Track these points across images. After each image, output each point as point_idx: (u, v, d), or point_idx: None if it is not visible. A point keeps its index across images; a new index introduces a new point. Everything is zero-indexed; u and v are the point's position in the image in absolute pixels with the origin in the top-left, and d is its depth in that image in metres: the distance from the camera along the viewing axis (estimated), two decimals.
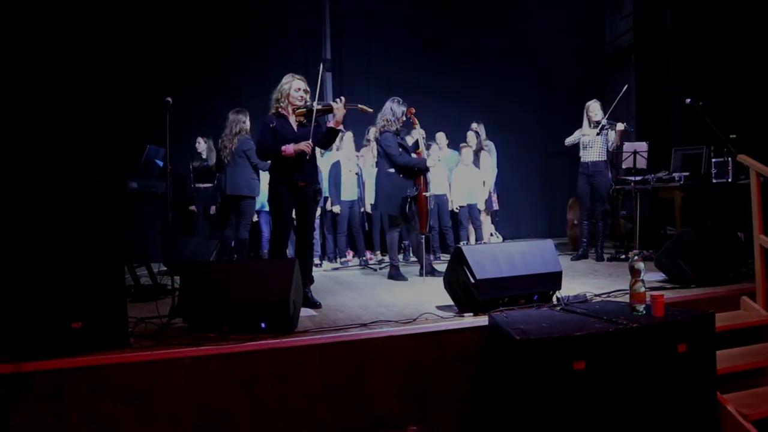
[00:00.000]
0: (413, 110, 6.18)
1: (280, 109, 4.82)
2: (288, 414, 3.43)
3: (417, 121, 6.25)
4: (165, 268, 6.21)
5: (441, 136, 8.42)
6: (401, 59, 9.33)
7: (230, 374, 3.37)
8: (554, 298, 4.34)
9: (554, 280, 4.37)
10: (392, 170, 6.04)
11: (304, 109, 4.79)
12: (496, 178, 8.42)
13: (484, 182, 8.05)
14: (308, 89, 4.85)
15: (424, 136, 6.47)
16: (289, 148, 4.68)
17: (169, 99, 4.20)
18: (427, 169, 6.10)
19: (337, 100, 4.81)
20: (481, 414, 3.65)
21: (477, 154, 8.06)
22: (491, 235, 8.48)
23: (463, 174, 7.93)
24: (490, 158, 8.23)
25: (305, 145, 4.68)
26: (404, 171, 6.03)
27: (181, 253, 6.39)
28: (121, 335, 3.44)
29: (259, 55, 8.79)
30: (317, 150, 5.40)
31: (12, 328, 3.19)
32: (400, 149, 6.03)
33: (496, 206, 8.45)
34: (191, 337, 3.59)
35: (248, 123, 6.51)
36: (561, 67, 10.12)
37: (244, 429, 3.37)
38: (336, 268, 7.35)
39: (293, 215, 4.93)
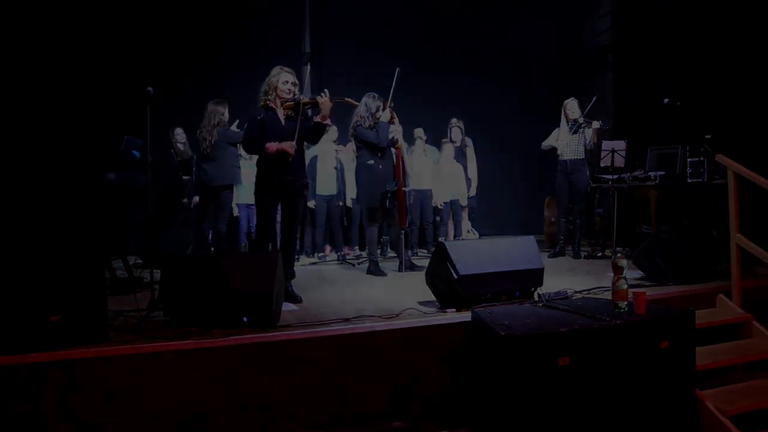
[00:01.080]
0: (393, 105, 6.16)
1: (268, 102, 4.77)
2: (270, 409, 3.40)
3: (396, 117, 6.22)
4: (140, 261, 6.13)
5: (419, 132, 8.40)
6: (381, 54, 9.26)
7: (212, 369, 3.33)
8: (536, 295, 4.37)
9: (536, 276, 4.39)
10: (371, 162, 6.03)
11: (292, 102, 4.74)
12: None
13: (470, 179, 8.08)
14: (297, 82, 4.81)
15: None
16: (272, 146, 4.64)
17: (150, 89, 4.12)
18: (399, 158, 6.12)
19: (322, 93, 4.77)
20: (464, 409, 3.66)
21: (463, 150, 8.08)
22: (467, 231, 8.50)
23: (446, 170, 7.93)
24: (474, 155, 8.26)
25: (288, 146, 4.64)
26: (385, 150, 6.04)
27: (156, 246, 6.28)
28: (101, 329, 3.39)
29: (238, 47, 8.70)
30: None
31: None
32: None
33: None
34: (172, 331, 3.54)
35: (227, 115, 6.45)
36: (539, 65, 10.17)
37: (226, 424, 3.33)
38: (314, 263, 7.32)
39: (278, 209, 4.90)
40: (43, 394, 3.06)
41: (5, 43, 4.53)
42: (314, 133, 4.90)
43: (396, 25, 9.52)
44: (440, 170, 7.94)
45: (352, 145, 7.64)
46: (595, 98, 7.12)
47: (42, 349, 3.12)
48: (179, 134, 7.54)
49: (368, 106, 6.03)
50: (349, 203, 7.74)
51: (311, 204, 7.47)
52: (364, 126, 6.01)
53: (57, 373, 3.09)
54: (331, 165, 7.58)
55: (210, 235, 6.56)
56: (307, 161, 7.40)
